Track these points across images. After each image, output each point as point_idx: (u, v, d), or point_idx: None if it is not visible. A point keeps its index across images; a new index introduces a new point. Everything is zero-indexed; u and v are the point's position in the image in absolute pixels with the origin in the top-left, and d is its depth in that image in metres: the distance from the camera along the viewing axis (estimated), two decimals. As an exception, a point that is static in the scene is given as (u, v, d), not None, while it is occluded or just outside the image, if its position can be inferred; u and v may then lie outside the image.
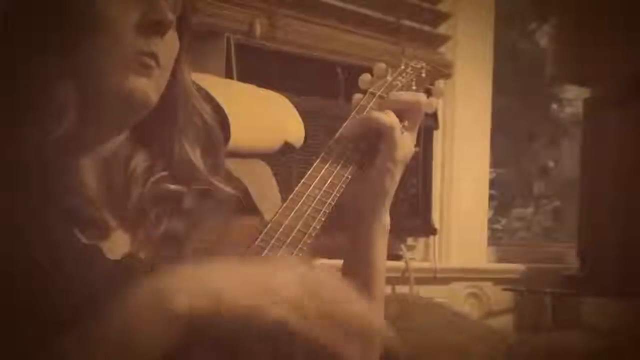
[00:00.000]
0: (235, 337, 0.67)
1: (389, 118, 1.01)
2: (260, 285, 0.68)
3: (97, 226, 0.80)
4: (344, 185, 0.95)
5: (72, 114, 0.80)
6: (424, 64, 1.12)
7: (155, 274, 0.69)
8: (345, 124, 1.03)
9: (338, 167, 0.97)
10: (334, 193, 0.93)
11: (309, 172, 0.95)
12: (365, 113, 1.04)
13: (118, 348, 0.65)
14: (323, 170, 0.96)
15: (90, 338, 0.66)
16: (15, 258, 0.73)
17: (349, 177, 0.97)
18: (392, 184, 1.02)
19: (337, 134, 1.02)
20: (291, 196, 0.90)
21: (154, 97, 0.85)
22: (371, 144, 1.02)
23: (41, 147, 0.79)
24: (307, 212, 0.89)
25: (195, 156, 0.91)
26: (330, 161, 0.97)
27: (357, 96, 1.08)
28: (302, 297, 0.67)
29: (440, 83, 1.13)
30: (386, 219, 1.03)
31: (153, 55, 0.83)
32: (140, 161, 0.89)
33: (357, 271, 1.03)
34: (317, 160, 0.97)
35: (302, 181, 0.93)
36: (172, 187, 0.88)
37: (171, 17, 0.84)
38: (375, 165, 1.02)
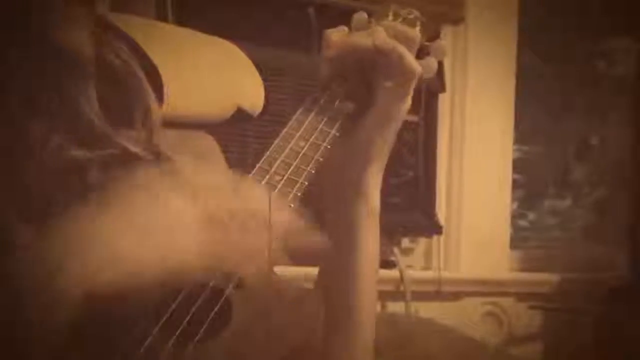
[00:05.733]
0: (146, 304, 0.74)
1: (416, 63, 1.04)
2: (171, 244, 0.73)
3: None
4: (329, 147, 0.97)
5: None
6: (417, 14, 1.14)
7: (37, 245, 0.72)
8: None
9: (323, 121, 0.99)
10: (316, 157, 0.95)
11: (286, 128, 0.97)
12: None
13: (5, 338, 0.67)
14: (303, 127, 0.98)
15: None
16: None
17: (337, 134, 0.99)
18: (382, 146, 1.04)
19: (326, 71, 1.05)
20: (259, 164, 0.92)
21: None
22: (360, 90, 1.04)
23: None
24: (280, 185, 0.91)
25: (101, 115, 0.92)
26: (314, 113, 1.00)
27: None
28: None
29: (442, 41, 1.15)
30: (374, 200, 1.04)
31: None
32: (37, 126, 0.89)
33: (338, 272, 1.03)
34: (299, 112, 1.00)
35: (275, 142, 0.95)
36: (75, 152, 0.88)
37: None
38: (364, 120, 1.03)
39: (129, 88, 0.96)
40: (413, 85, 1.04)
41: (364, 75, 1.05)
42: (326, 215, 1.06)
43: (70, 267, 0.69)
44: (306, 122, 0.98)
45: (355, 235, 1.04)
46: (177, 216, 0.75)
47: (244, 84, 1.69)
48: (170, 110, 1.24)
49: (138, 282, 0.71)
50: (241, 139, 1.96)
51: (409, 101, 1.05)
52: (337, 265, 1.04)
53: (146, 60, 1.07)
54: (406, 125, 2.52)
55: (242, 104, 1.64)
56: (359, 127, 1.04)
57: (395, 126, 1.04)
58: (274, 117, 1.72)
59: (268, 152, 0.95)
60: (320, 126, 0.99)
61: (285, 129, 0.97)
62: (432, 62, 1.10)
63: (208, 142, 1.60)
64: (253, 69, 1.72)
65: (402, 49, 1.03)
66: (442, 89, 2.66)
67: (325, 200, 1.06)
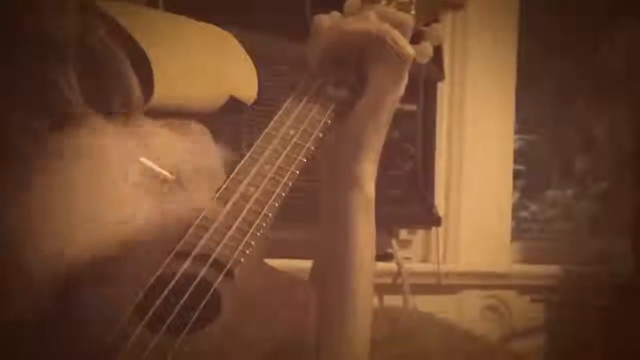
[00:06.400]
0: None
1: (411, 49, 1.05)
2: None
3: None
4: (320, 135, 0.97)
5: None
6: None
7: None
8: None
9: (315, 109, 1.00)
10: (307, 145, 0.95)
11: (276, 117, 0.98)
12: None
13: None
14: (293, 114, 0.99)
15: None
16: None
17: (329, 121, 0.99)
18: (374, 131, 1.04)
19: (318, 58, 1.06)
20: (249, 153, 0.93)
21: None
22: (353, 75, 1.05)
23: None
24: (269, 175, 0.91)
25: (82, 100, 0.92)
26: (304, 100, 1.01)
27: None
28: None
29: (438, 25, 1.16)
30: (369, 189, 1.05)
31: None
32: (15, 111, 0.89)
33: (331, 263, 1.04)
34: (289, 100, 1.01)
35: (265, 131, 0.96)
36: (55, 136, 0.88)
37: None
38: (356, 105, 1.04)
39: (112, 74, 0.96)
40: (406, 71, 1.05)
41: (356, 61, 1.05)
42: (321, 204, 1.07)
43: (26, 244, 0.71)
44: (296, 111, 0.99)
45: (350, 225, 1.04)
46: (123, 183, 0.77)
47: (237, 72, 1.68)
48: (160, 98, 1.24)
49: (94, 256, 0.73)
50: (234, 129, 1.95)
51: (402, 88, 1.05)
52: (332, 256, 1.05)
53: (134, 47, 1.07)
54: (404, 114, 2.51)
55: (234, 92, 1.64)
56: (350, 114, 1.04)
57: (388, 114, 1.05)
58: (268, 107, 1.72)
59: (258, 141, 0.95)
60: (311, 114, 0.99)
61: (275, 117, 0.98)
62: (427, 47, 1.11)
63: (199, 132, 1.60)
64: (246, 56, 1.71)
65: (394, 33, 1.03)
66: (441, 76, 2.65)
67: (321, 189, 1.07)
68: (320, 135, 0.97)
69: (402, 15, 1.07)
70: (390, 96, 1.04)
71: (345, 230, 1.04)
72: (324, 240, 1.07)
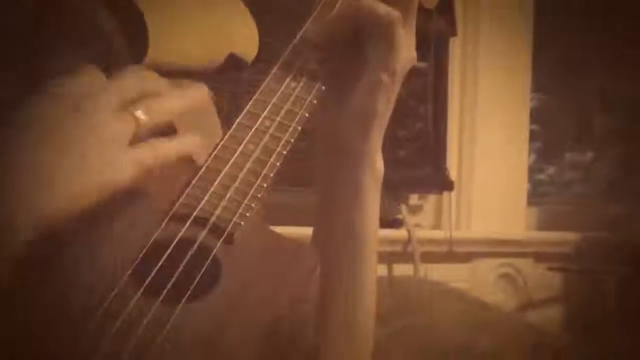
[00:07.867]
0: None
1: (385, 7, 0.99)
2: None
3: None
4: (306, 114, 0.96)
5: None
6: None
7: None
8: (308, 23, 1.04)
9: (298, 88, 0.98)
10: (293, 125, 0.94)
11: (256, 95, 0.96)
12: (336, 9, 1.04)
13: None
14: (277, 93, 0.97)
15: None
16: None
17: (314, 101, 0.98)
18: (386, 106, 1.01)
19: (297, 38, 1.03)
20: (231, 131, 0.92)
21: None
22: (348, 50, 1.02)
23: None
24: (255, 154, 0.90)
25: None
26: (287, 79, 0.99)
27: None
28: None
29: None
30: (380, 163, 1.03)
31: None
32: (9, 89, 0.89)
33: (335, 240, 1.03)
34: (268, 79, 0.98)
35: (246, 109, 0.95)
36: None
37: None
38: (361, 80, 1.01)
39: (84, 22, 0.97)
40: (401, 33, 1.01)
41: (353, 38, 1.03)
42: (322, 178, 1.06)
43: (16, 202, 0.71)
44: (281, 87, 0.98)
45: (358, 198, 1.03)
46: (107, 134, 0.77)
47: (236, 28, 1.68)
48: (156, 57, 1.23)
49: (81, 210, 0.74)
50: (234, 88, 1.95)
51: (405, 50, 1.01)
52: (337, 228, 1.04)
53: (129, 4, 1.07)
54: (414, 72, 2.51)
55: (234, 50, 1.63)
56: (356, 87, 1.01)
57: (398, 83, 1.02)
58: (268, 63, 1.72)
59: (256, 95, 0.95)
60: (297, 91, 0.98)
61: (254, 96, 0.97)
62: None
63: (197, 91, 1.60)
64: (245, 11, 1.71)
65: (397, 27, 1.00)
66: (453, 32, 2.64)
67: (321, 167, 1.06)
68: (306, 115, 0.96)
69: None
70: (396, 62, 1.01)
71: (352, 206, 1.03)
72: (327, 216, 1.06)
